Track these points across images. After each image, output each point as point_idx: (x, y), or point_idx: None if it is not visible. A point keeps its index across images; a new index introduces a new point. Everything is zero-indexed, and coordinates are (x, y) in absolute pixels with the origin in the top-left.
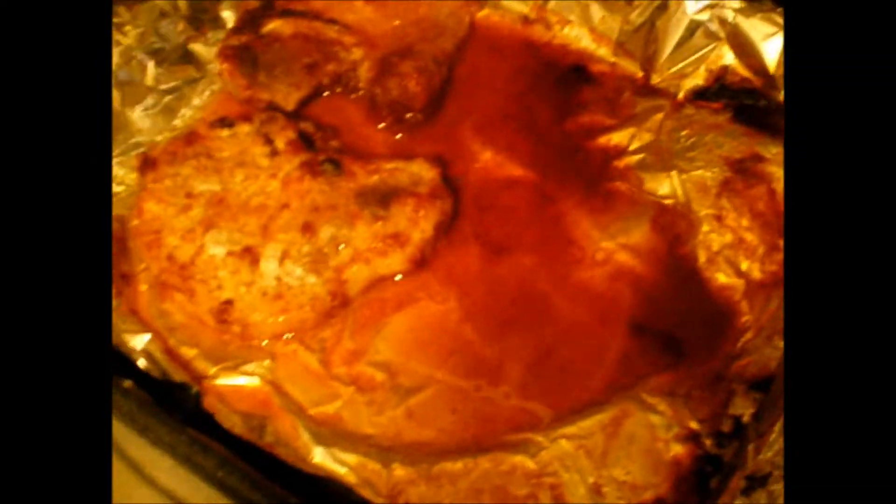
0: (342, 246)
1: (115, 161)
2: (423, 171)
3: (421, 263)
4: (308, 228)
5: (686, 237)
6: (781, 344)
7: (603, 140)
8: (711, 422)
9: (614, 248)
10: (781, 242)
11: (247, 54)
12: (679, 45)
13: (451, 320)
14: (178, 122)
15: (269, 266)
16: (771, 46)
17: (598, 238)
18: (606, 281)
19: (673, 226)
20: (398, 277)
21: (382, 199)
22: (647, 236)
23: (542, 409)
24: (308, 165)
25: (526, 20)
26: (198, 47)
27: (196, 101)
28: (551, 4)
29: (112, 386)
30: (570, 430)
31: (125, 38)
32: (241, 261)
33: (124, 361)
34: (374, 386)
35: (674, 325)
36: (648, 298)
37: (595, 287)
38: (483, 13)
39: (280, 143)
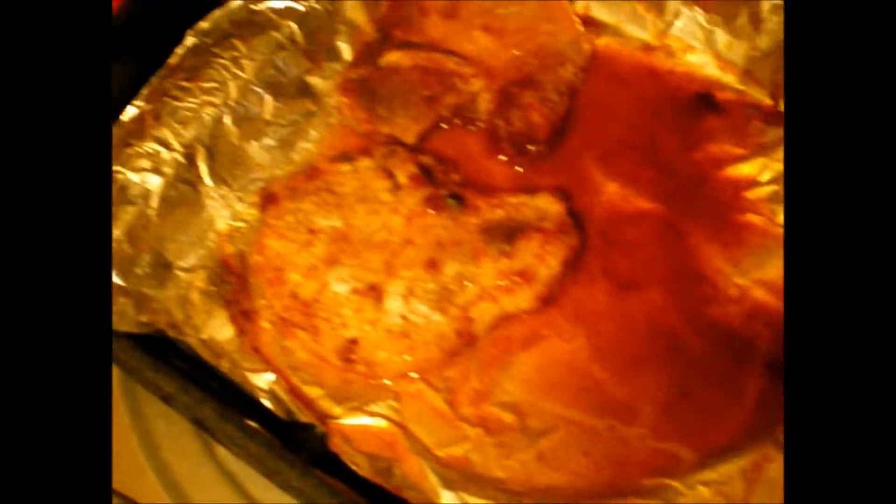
0: (468, 283)
1: (234, 196)
2: (548, 206)
3: (548, 300)
4: (432, 265)
5: None
6: None
7: (732, 171)
8: None
9: (748, 284)
10: None
11: (366, 87)
12: None
13: (580, 359)
14: (296, 157)
15: (393, 303)
16: None
17: (731, 273)
18: (741, 318)
19: None
20: (525, 315)
21: (508, 234)
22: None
23: (678, 451)
24: (431, 200)
25: (647, 47)
26: (315, 80)
27: (314, 135)
28: (674, 31)
29: (240, 429)
30: (709, 475)
31: (243, 73)
32: (366, 298)
33: (248, 401)
34: (502, 427)
35: None
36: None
37: (730, 325)
38: (603, 41)
39: (402, 178)
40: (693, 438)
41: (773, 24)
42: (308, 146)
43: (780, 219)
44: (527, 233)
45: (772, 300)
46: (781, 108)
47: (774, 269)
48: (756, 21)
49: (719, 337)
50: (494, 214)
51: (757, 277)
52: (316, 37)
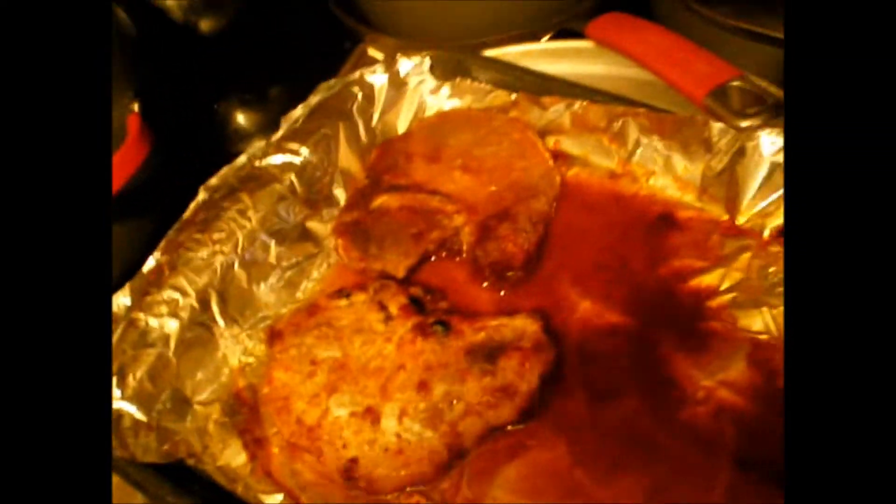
0: (455, 401)
1: (244, 334)
2: (526, 326)
3: (530, 413)
4: (423, 387)
5: (782, 370)
6: None
7: (695, 282)
8: None
9: (714, 385)
10: None
11: (358, 229)
12: (761, 186)
13: (563, 465)
14: (300, 295)
15: (389, 424)
16: None
17: (698, 377)
18: (709, 418)
19: (769, 360)
20: (509, 428)
21: (490, 354)
22: (745, 372)
23: None
24: (420, 328)
25: (613, 175)
26: (314, 225)
27: (315, 274)
28: (635, 158)
29: None
30: None
31: (249, 223)
32: (364, 420)
33: None
34: None
35: (778, 456)
36: (751, 432)
37: (698, 425)
38: (573, 172)
39: (393, 309)
40: None
41: (724, 144)
42: (310, 285)
43: (741, 323)
44: (507, 352)
45: (736, 399)
46: (738, 222)
47: (736, 371)
48: (708, 144)
49: (690, 436)
50: (477, 337)
51: (721, 379)
52: (314, 186)
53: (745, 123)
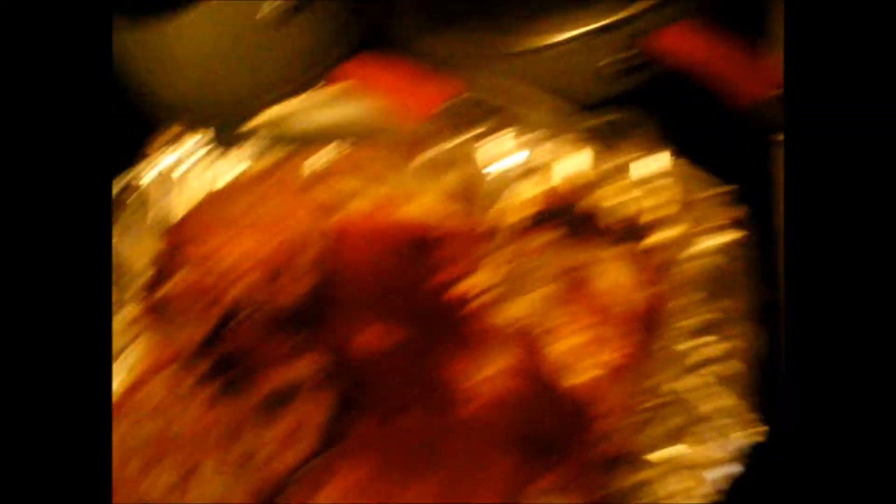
0: (259, 450)
1: None
2: (313, 365)
3: (330, 443)
4: (229, 443)
5: (545, 351)
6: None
7: (458, 289)
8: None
9: (487, 378)
10: (626, 329)
11: (158, 309)
12: (503, 188)
13: (366, 482)
14: (127, 377)
15: (206, 483)
16: (571, 165)
17: (472, 375)
18: (485, 409)
19: (533, 344)
20: (315, 459)
21: (283, 400)
22: (513, 360)
23: None
24: (222, 388)
25: (380, 207)
26: (128, 312)
27: (138, 357)
28: (396, 187)
29: None
30: None
31: None
32: (185, 482)
33: None
34: None
35: (548, 430)
36: (522, 414)
37: (477, 420)
38: (345, 212)
39: (198, 376)
40: None
41: (461, 157)
42: (136, 366)
43: (503, 316)
44: (296, 395)
45: (506, 387)
46: (490, 225)
47: (505, 358)
48: (448, 159)
49: (470, 431)
50: (271, 387)
51: (492, 370)
52: (121, 280)
53: (474, 134)
